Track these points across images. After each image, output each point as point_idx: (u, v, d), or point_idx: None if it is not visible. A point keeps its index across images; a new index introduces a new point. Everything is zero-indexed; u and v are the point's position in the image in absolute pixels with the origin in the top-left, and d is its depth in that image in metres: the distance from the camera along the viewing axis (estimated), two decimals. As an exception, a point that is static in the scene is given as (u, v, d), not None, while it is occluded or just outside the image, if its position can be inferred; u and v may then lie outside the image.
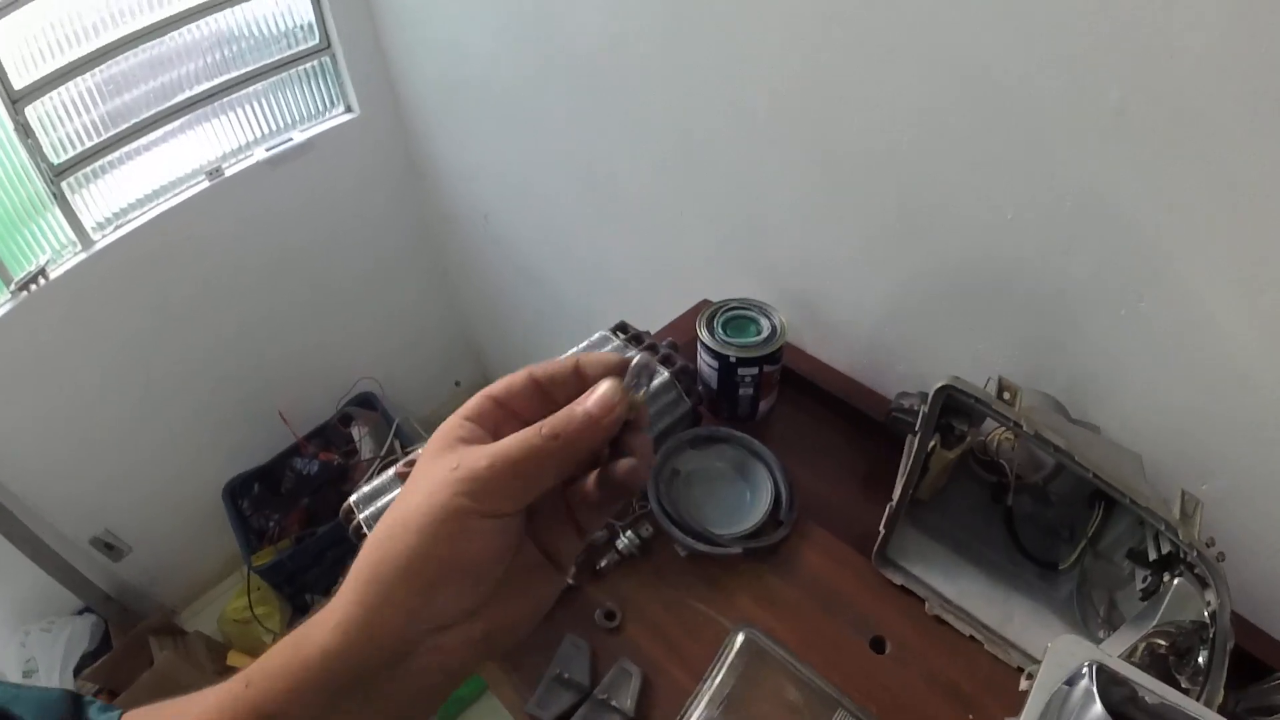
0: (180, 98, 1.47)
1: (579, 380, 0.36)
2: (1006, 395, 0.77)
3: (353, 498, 0.81)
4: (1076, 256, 0.78)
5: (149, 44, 1.39)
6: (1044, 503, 0.89)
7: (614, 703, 0.72)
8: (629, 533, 0.81)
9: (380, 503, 0.80)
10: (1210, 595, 0.73)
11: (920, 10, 0.76)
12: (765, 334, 0.91)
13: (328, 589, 1.86)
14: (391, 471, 0.82)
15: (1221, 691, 0.72)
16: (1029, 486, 0.89)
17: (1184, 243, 0.71)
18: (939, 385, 0.75)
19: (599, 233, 1.35)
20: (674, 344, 0.95)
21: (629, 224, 1.28)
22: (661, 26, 1.00)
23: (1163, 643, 0.78)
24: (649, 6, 0.99)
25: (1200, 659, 0.74)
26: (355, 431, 1.86)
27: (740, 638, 0.74)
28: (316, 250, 1.77)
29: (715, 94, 0.99)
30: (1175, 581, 0.75)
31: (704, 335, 0.91)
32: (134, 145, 1.46)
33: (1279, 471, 0.78)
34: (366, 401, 1.97)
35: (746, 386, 0.91)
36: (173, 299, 1.59)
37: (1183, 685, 0.74)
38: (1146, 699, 0.73)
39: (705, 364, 0.92)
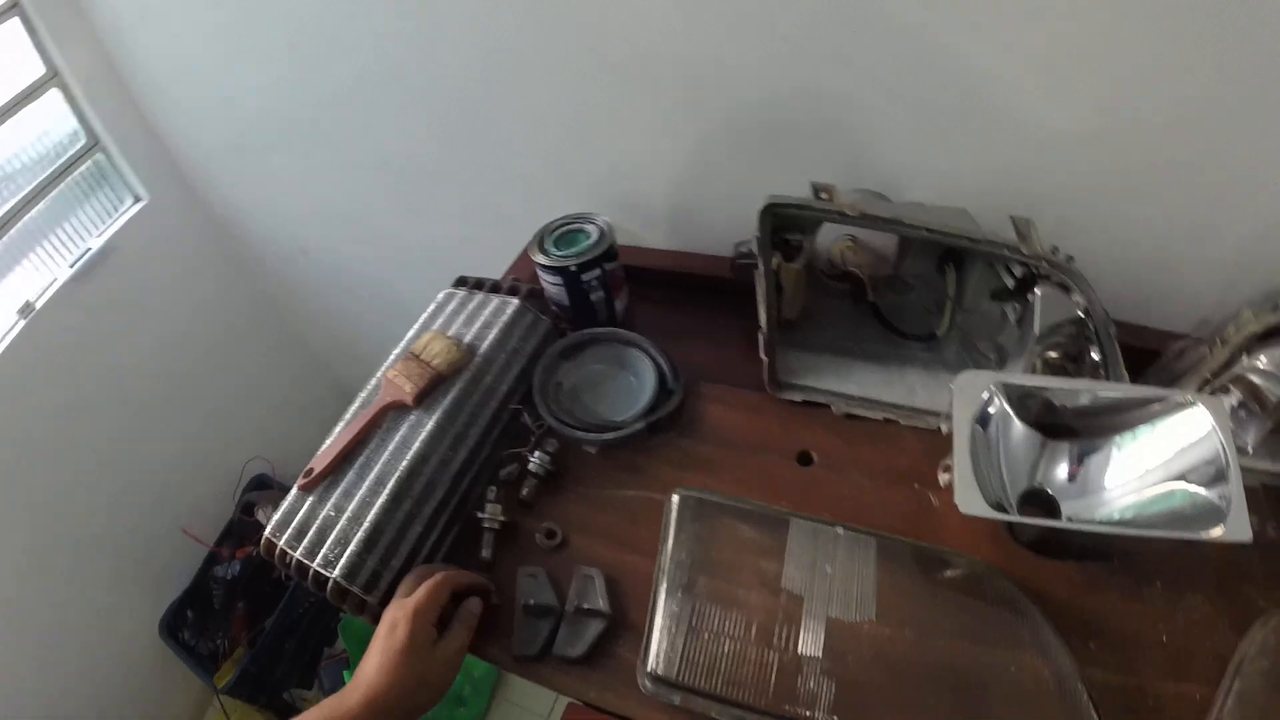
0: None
1: None
2: (824, 195, 0.83)
3: (268, 530, 0.80)
4: (856, 64, 0.84)
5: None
6: (903, 289, 0.96)
7: (587, 607, 0.73)
8: (537, 454, 0.84)
9: (296, 521, 0.79)
10: (1076, 297, 0.80)
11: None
12: (595, 238, 0.95)
13: (304, 680, 1.81)
14: (295, 489, 0.82)
15: (1125, 375, 0.80)
16: (884, 280, 0.95)
17: (952, 27, 0.79)
18: (762, 207, 0.80)
19: (417, 217, 1.37)
20: (518, 279, 0.98)
21: (443, 197, 1.30)
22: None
23: (1055, 354, 0.84)
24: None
25: (1093, 354, 0.82)
26: (261, 515, 1.80)
27: (675, 500, 0.78)
28: (154, 349, 1.68)
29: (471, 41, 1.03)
30: (1038, 291, 0.81)
31: (540, 258, 0.93)
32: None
33: (1093, 186, 0.87)
34: (262, 483, 1.90)
35: (595, 291, 0.95)
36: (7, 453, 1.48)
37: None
38: (1065, 404, 0.79)
39: (551, 285, 0.95)
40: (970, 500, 0.69)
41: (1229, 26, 0.71)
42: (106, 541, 1.68)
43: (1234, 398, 0.86)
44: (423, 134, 1.21)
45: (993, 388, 0.78)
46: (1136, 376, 0.83)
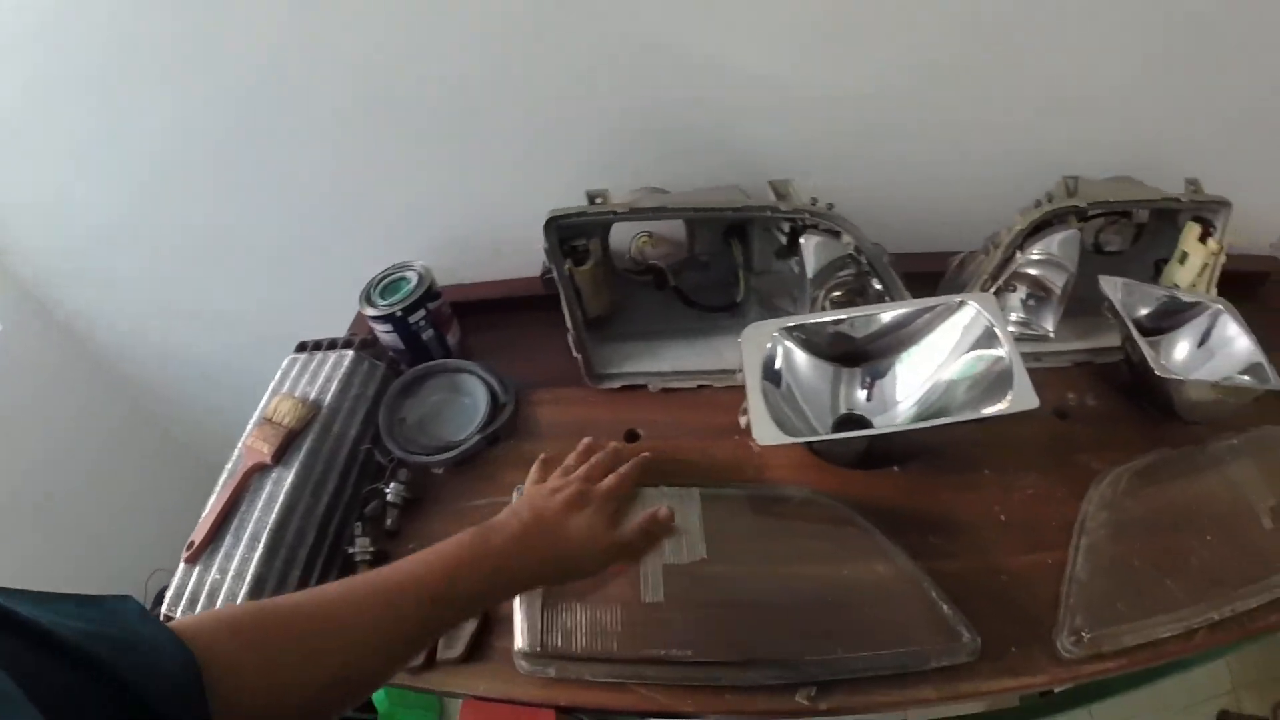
0: None
1: None
2: (598, 200, 0.92)
3: (164, 608, 0.83)
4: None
5: None
6: (702, 269, 1.06)
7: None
8: (393, 485, 0.90)
9: (188, 592, 0.83)
10: (845, 238, 0.90)
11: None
12: (415, 282, 1.02)
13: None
14: (181, 564, 0.86)
15: (907, 295, 0.90)
16: (684, 264, 1.05)
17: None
18: (545, 221, 0.89)
19: (253, 294, 1.40)
20: (354, 334, 1.04)
21: (272, 269, 1.34)
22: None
23: (839, 294, 0.95)
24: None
25: (875, 285, 0.93)
26: (175, 626, 1.78)
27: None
28: (32, 477, 1.63)
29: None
30: (802, 240, 0.92)
31: (369, 310, 1.00)
32: None
33: (848, 142, 0.99)
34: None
35: (425, 330, 1.02)
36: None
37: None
38: (857, 334, 0.90)
39: (384, 333, 1.02)
40: (766, 433, 0.79)
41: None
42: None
43: (1021, 292, 0.99)
44: (231, 209, 1.23)
45: (776, 334, 0.88)
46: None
